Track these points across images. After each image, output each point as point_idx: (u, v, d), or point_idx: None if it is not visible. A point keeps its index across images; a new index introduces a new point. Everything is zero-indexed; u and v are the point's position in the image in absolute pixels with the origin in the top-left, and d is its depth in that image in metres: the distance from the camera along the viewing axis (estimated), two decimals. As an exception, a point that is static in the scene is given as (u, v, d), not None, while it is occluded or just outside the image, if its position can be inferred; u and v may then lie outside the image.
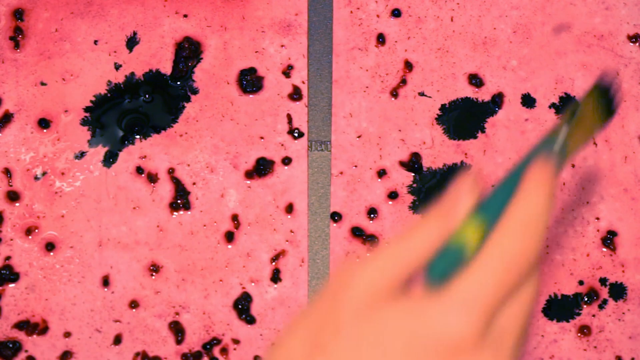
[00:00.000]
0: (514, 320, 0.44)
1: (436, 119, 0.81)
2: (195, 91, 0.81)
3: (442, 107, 0.81)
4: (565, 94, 0.82)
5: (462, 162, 0.80)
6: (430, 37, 0.83)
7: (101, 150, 0.80)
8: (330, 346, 0.43)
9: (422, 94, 0.82)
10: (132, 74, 0.82)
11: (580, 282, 0.77)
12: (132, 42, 0.83)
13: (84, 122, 0.80)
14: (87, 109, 0.81)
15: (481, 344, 0.43)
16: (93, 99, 0.81)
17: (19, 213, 0.78)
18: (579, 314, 0.76)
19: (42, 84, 0.79)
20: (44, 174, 0.79)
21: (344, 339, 0.43)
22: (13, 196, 0.79)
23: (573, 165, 0.80)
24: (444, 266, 0.44)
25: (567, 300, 0.77)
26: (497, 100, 0.82)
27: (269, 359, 0.46)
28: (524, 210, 0.44)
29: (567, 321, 0.76)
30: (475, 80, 0.82)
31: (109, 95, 0.81)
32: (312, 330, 0.44)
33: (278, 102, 0.81)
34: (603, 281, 0.77)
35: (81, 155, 0.80)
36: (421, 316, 0.43)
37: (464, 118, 0.81)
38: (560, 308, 0.77)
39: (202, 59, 0.82)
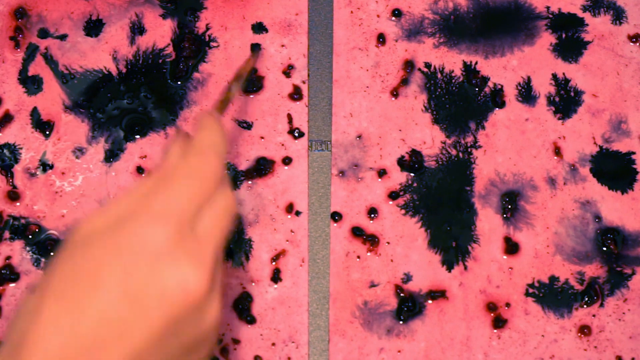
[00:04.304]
0: (211, 228, 0.52)
1: (436, 118, 0.81)
2: (195, 91, 0.81)
3: (443, 107, 0.82)
4: (566, 93, 0.82)
5: (462, 161, 0.80)
6: (429, 38, 0.83)
7: (101, 150, 0.80)
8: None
9: (423, 92, 0.82)
10: (132, 73, 0.82)
11: (580, 282, 0.77)
12: (132, 41, 0.83)
13: (84, 119, 0.80)
14: (85, 105, 0.81)
15: (179, 251, 0.49)
16: (92, 95, 0.81)
17: (19, 213, 0.78)
18: (580, 307, 0.76)
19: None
20: (43, 171, 0.79)
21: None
22: (13, 196, 0.79)
23: (573, 165, 0.80)
24: None
25: (567, 298, 0.77)
26: (498, 100, 0.82)
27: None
28: (204, 138, 0.57)
29: (568, 316, 0.76)
30: (475, 80, 0.82)
31: (109, 94, 0.81)
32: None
33: (278, 102, 0.81)
34: (603, 281, 0.77)
35: (81, 152, 0.80)
36: (123, 230, 0.50)
37: (465, 118, 0.81)
38: (559, 304, 0.77)
39: (202, 58, 0.82)
